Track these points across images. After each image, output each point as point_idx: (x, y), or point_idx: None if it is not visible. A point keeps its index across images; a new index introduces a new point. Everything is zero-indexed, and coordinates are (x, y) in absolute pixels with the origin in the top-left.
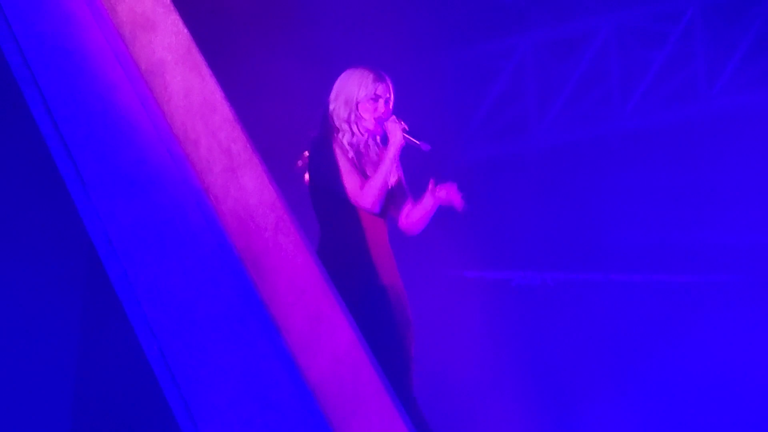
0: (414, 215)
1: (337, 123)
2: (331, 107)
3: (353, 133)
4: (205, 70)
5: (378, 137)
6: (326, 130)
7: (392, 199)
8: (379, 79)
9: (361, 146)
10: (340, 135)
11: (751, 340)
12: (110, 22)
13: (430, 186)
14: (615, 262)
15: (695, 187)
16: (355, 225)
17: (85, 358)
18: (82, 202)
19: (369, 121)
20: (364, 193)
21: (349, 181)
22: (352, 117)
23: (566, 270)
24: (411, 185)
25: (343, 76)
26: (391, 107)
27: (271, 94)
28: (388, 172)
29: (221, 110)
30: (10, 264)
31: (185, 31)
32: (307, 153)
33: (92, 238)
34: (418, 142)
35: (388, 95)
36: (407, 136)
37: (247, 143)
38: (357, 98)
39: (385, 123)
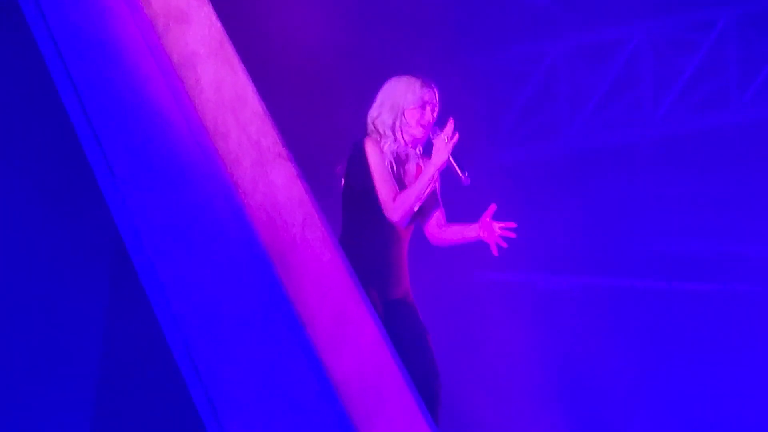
0: (449, 236)
1: (381, 129)
2: (375, 113)
3: (396, 140)
4: (237, 64)
5: (420, 147)
6: (368, 135)
7: (421, 208)
8: (426, 85)
9: (402, 154)
10: (381, 141)
11: None
12: (144, 14)
13: (483, 221)
14: (642, 269)
15: (725, 195)
16: (380, 235)
17: (109, 350)
18: (111, 193)
19: (415, 129)
20: (395, 205)
21: (384, 189)
22: (398, 124)
23: (593, 275)
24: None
25: (389, 82)
26: (436, 115)
27: (303, 90)
28: (423, 189)
29: (252, 104)
30: (38, 253)
31: (218, 24)
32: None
33: (120, 230)
34: (460, 172)
35: (434, 102)
36: (452, 160)
37: (277, 138)
38: (404, 105)
39: (434, 138)
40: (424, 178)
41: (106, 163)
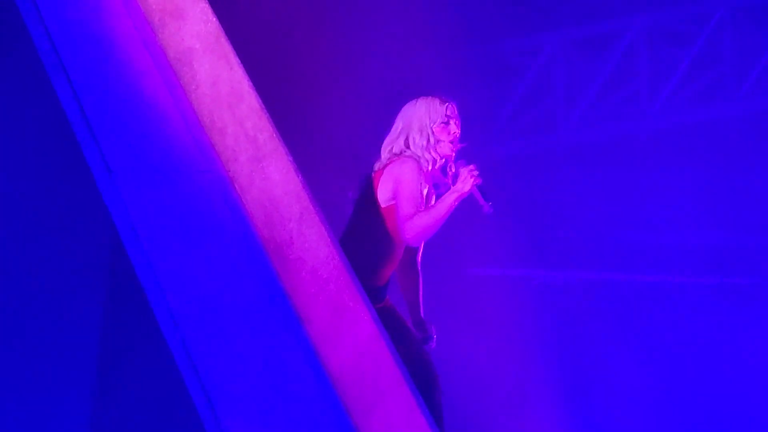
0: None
1: (419, 152)
2: (403, 137)
3: (433, 160)
4: (233, 59)
5: (452, 165)
6: (407, 156)
7: None
8: (444, 102)
9: (431, 175)
10: (422, 162)
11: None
12: (140, 9)
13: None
14: (638, 262)
15: (721, 188)
16: (382, 252)
17: (107, 346)
18: (108, 189)
19: (445, 144)
20: (411, 223)
21: (404, 207)
22: (431, 142)
23: (589, 269)
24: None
25: (406, 108)
26: (459, 128)
27: (299, 85)
28: (442, 215)
29: (248, 100)
30: (36, 249)
31: (214, 19)
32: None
33: (117, 226)
34: (483, 202)
35: (456, 116)
36: (476, 190)
37: (274, 133)
38: (430, 124)
39: (460, 167)
40: (446, 204)
41: (103, 159)
